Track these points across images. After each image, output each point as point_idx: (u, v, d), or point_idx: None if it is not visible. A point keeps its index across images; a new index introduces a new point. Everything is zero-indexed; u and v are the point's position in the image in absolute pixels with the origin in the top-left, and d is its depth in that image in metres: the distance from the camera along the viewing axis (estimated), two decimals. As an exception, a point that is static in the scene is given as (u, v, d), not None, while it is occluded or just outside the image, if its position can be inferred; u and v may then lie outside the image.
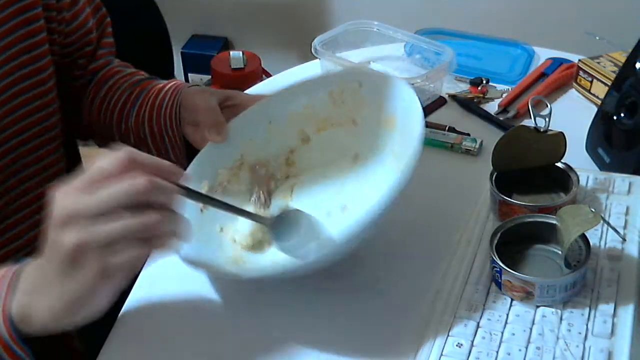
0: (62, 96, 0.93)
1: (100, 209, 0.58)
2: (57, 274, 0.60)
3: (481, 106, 1.07)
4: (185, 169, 0.79)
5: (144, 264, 0.68)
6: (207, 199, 0.74)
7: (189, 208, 0.73)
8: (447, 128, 1.01)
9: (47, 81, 0.90)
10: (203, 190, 0.81)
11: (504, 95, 1.09)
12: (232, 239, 0.81)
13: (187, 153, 0.90)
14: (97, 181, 0.59)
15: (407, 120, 0.78)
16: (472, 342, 0.68)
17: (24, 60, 0.86)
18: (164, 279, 0.79)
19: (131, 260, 0.60)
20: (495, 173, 0.83)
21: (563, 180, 0.82)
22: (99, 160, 0.60)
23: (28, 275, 0.64)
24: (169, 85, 0.93)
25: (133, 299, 0.77)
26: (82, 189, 0.59)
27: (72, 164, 0.97)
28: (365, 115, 0.86)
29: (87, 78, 0.99)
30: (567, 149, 0.83)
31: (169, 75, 1.44)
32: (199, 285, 0.78)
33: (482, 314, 0.70)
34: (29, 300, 0.63)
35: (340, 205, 0.82)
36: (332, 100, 0.87)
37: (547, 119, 0.83)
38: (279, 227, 0.77)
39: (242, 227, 0.81)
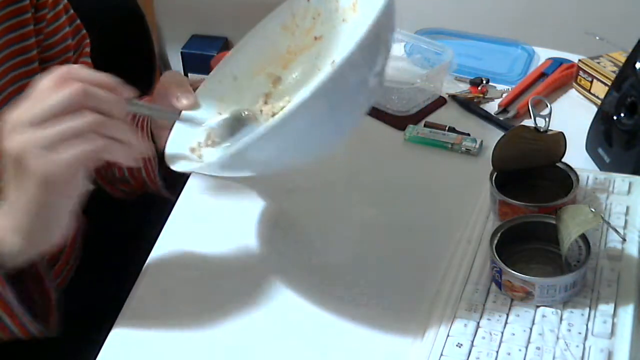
0: None
1: (40, 116, 0.61)
2: (10, 186, 0.64)
3: (481, 106, 1.07)
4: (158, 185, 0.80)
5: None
6: (145, 108, 0.75)
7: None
8: (447, 128, 1.01)
9: None
10: (193, 146, 0.80)
11: (504, 95, 1.09)
12: None
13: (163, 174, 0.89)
14: (40, 96, 0.62)
15: None
16: (472, 342, 0.67)
17: (16, 62, 0.86)
18: (170, 268, 0.80)
19: (71, 160, 0.61)
20: (495, 173, 0.83)
21: (563, 180, 0.82)
22: (42, 78, 0.63)
23: None
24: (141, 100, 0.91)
25: (140, 285, 0.78)
26: (27, 104, 0.62)
27: None
28: (324, 23, 0.84)
29: None
30: (567, 149, 0.83)
31: (151, 82, 1.44)
32: (203, 280, 0.79)
33: (482, 314, 0.70)
34: None
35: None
36: (288, 31, 0.86)
37: (547, 119, 0.83)
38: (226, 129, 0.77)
39: None
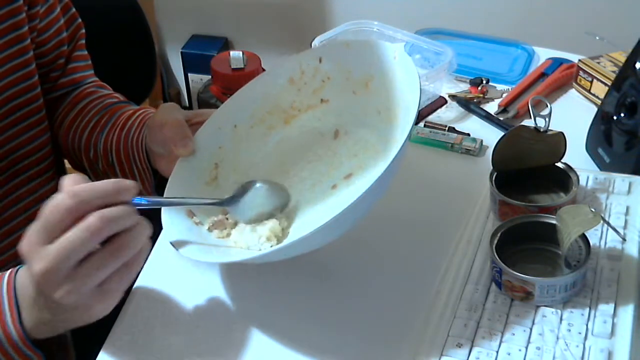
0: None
1: (72, 262, 0.60)
2: (57, 314, 0.64)
3: (481, 106, 1.07)
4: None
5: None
6: (159, 202, 0.75)
7: (183, 223, 0.75)
8: (447, 128, 1.01)
9: (38, 99, 0.90)
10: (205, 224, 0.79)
11: (504, 95, 1.09)
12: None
13: (156, 183, 0.89)
14: (56, 233, 0.61)
15: (386, 76, 0.77)
16: (472, 342, 0.67)
17: (16, 78, 0.87)
18: (166, 272, 0.80)
19: (118, 285, 0.63)
20: (495, 173, 0.83)
21: (563, 180, 0.82)
22: (47, 210, 0.61)
23: (27, 295, 0.65)
24: (137, 113, 0.90)
25: (137, 288, 0.78)
26: (45, 243, 0.60)
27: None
28: (333, 88, 0.84)
29: (57, 93, 0.96)
30: (567, 149, 0.83)
31: (152, 82, 1.44)
32: (199, 286, 0.79)
33: (482, 314, 0.70)
34: (41, 318, 0.65)
35: (344, 176, 0.81)
36: (294, 86, 0.85)
37: (547, 119, 0.83)
38: (240, 202, 0.78)
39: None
